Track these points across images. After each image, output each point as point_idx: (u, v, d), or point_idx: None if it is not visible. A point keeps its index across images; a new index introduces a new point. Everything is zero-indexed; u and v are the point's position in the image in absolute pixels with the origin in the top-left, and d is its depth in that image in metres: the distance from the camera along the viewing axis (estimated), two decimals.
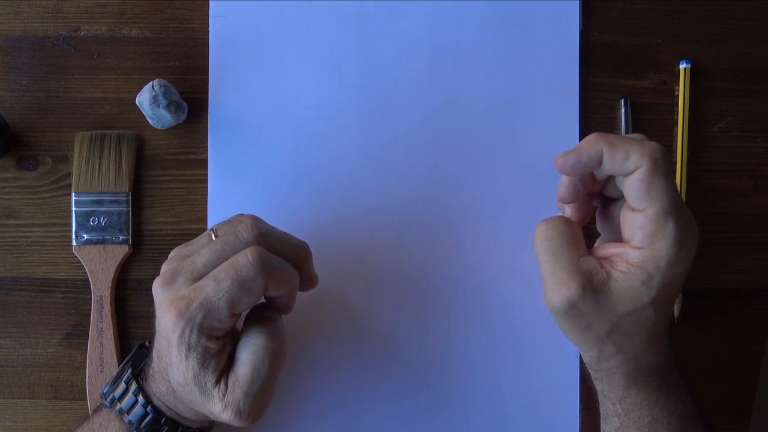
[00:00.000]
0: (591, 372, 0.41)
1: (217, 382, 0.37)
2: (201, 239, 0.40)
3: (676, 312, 0.49)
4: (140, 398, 0.40)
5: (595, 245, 0.41)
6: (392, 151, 0.50)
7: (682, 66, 0.50)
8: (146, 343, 0.45)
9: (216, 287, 0.36)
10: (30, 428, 0.49)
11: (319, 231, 0.49)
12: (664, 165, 0.35)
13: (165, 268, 0.40)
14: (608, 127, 0.50)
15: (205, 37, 0.50)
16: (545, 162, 0.50)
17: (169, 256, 0.41)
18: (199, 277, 0.37)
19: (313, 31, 0.50)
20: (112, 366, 0.48)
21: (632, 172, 0.35)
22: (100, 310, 0.48)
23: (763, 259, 0.50)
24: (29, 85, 0.50)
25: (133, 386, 0.40)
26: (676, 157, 0.50)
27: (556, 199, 0.40)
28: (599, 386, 0.41)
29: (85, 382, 0.48)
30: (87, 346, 0.48)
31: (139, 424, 0.40)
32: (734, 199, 0.50)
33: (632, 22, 0.51)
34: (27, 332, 0.49)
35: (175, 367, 0.38)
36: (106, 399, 0.42)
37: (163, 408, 0.40)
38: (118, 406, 0.40)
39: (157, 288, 0.38)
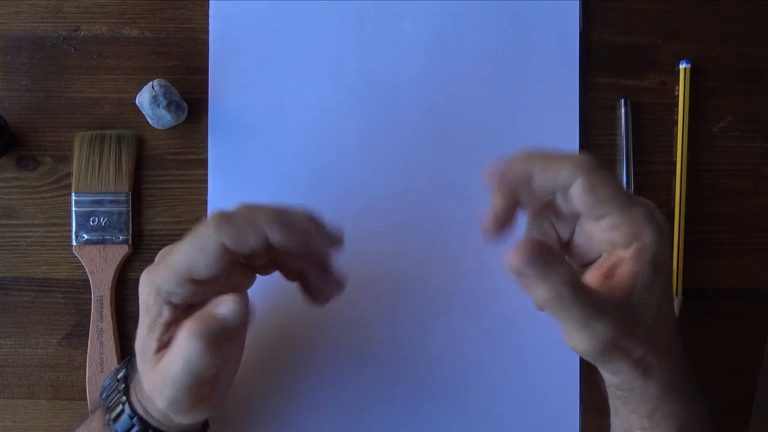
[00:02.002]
0: (618, 395, 0.39)
1: (156, 352, 0.36)
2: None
3: (676, 312, 0.49)
4: (127, 408, 0.39)
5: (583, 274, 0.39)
6: (392, 151, 0.50)
7: (682, 66, 0.50)
8: None
9: (177, 252, 0.36)
10: (30, 428, 0.49)
11: None
12: (599, 168, 0.35)
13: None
14: (608, 127, 0.50)
15: (205, 37, 0.50)
16: None
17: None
18: None
19: (313, 31, 0.50)
20: (112, 366, 0.48)
21: (572, 185, 0.35)
22: (100, 310, 0.48)
23: (763, 259, 0.50)
24: (29, 85, 0.50)
25: (121, 396, 0.40)
26: (676, 157, 0.50)
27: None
28: (627, 407, 0.39)
29: (85, 382, 0.48)
30: (87, 346, 0.48)
31: (115, 422, 0.39)
32: (734, 199, 0.50)
33: (632, 22, 0.51)
34: (27, 332, 0.49)
35: (138, 334, 0.37)
36: (101, 396, 0.41)
37: (146, 416, 0.39)
38: (106, 405, 0.40)
39: (143, 272, 0.38)
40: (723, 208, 0.50)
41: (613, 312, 0.34)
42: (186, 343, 0.34)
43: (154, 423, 0.39)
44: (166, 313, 0.36)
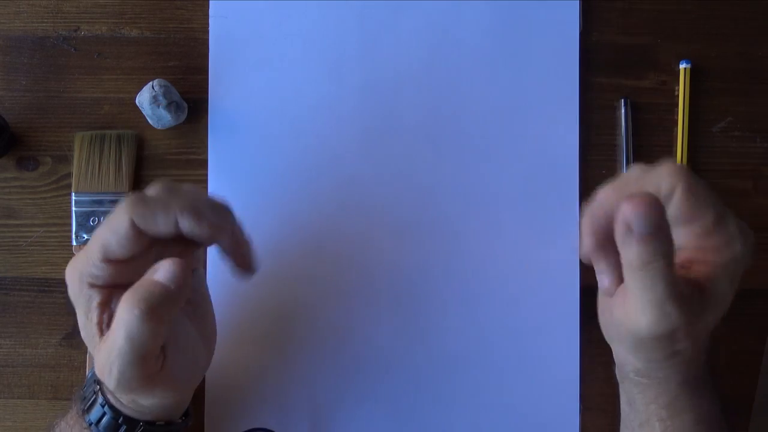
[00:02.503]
0: (636, 381, 0.39)
1: (100, 334, 0.36)
2: None
3: None
4: (99, 397, 0.38)
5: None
6: (392, 151, 0.50)
7: (682, 66, 0.50)
8: None
9: (93, 235, 0.36)
10: (30, 428, 0.49)
11: (319, 230, 0.49)
12: (694, 175, 0.35)
13: None
14: (608, 127, 0.50)
15: (205, 37, 0.50)
16: (545, 162, 0.50)
17: None
18: None
19: (313, 31, 0.50)
20: None
21: (674, 189, 0.35)
22: None
23: (763, 259, 0.50)
24: (29, 85, 0.50)
25: (95, 386, 0.39)
26: (676, 157, 0.50)
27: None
28: (647, 394, 0.38)
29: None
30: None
31: (98, 424, 0.38)
32: (734, 199, 0.50)
33: (632, 22, 0.51)
34: (27, 332, 0.49)
35: (79, 324, 0.37)
36: (78, 396, 0.40)
37: (118, 405, 0.38)
38: (82, 405, 0.39)
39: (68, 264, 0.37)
40: None
41: (691, 303, 0.34)
42: (124, 314, 0.33)
43: (125, 411, 0.38)
44: (96, 296, 0.36)
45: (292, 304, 0.49)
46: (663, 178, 0.35)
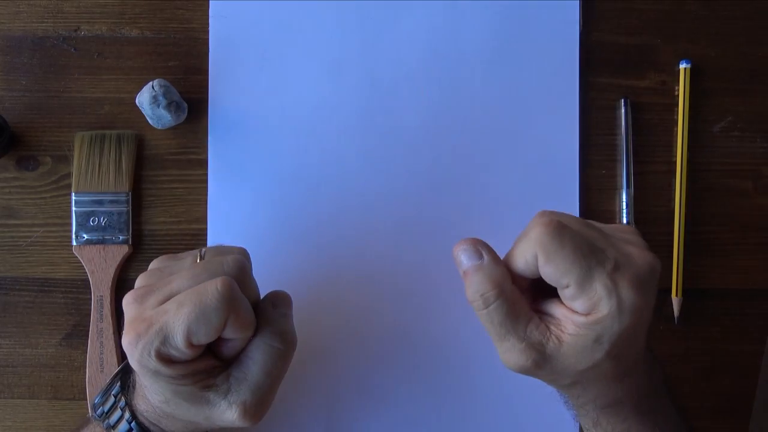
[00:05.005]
0: (564, 398, 0.40)
1: (209, 387, 0.36)
2: (186, 259, 0.39)
3: (676, 312, 0.49)
4: (126, 414, 0.38)
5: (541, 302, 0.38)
6: (392, 151, 0.50)
7: (682, 66, 0.50)
8: None
9: (176, 311, 0.34)
10: (30, 428, 0.49)
11: (318, 230, 0.49)
12: (556, 233, 0.34)
13: (142, 282, 0.38)
14: (608, 127, 0.50)
15: (205, 37, 0.50)
16: (545, 162, 0.50)
17: (150, 267, 0.39)
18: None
19: (313, 31, 0.50)
20: (112, 366, 0.48)
21: (535, 260, 0.35)
22: (100, 310, 0.48)
23: (763, 259, 0.50)
24: (29, 85, 0.50)
25: (121, 401, 0.39)
26: (676, 157, 0.50)
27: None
28: (573, 411, 0.40)
29: (85, 382, 0.48)
30: (87, 346, 0.48)
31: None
32: (734, 199, 0.50)
33: (632, 22, 0.51)
34: (27, 332, 0.49)
35: (149, 389, 0.37)
36: (95, 411, 0.40)
37: (147, 424, 0.39)
38: (107, 421, 0.39)
39: (128, 303, 0.36)
40: (723, 208, 0.50)
41: (538, 349, 0.35)
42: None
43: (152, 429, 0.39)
44: (173, 372, 0.35)
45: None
46: (528, 245, 0.35)
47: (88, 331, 0.48)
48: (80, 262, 0.49)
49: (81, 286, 0.49)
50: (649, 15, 0.51)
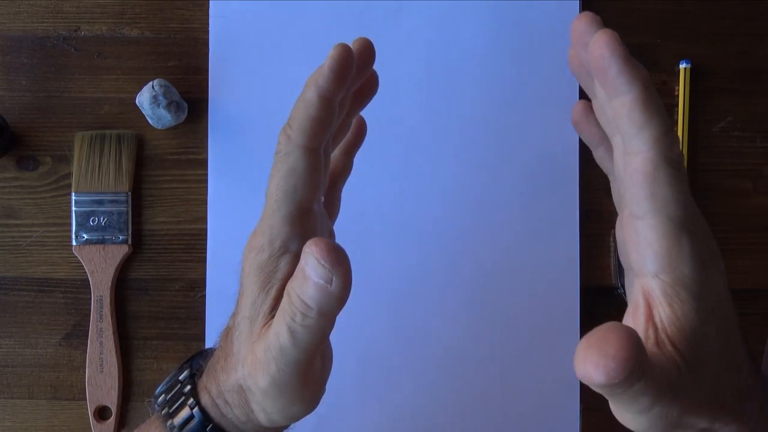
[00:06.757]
0: None
1: (265, 323, 0.31)
2: None
3: None
4: (191, 399, 0.33)
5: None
6: (392, 151, 0.50)
7: (682, 66, 0.50)
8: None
9: (270, 185, 0.32)
10: (30, 428, 0.49)
11: None
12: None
13: None
14: None
15: (205, 37, 0.50)
16: (545, 162, 0.50)
17: None
18: None
19: (313, 31, 0.50)
20: (111, 366, 0.48)
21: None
22: (100, 310, 0.48)
23: (763, 259, 0.50)
24: (29, 85, 0.50)
25: (187, 388, 0.34)
26: None
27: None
28: None
29: (85, 382, 0.48)
30: (87, 346, 0.48)
31: (181, 429, 0.33)
32: (734, 199, 0.50)
33: (632, 22, 0.51)
34: (27, 332, 0.49)
35: (243, 303, 0.32)
36: (156, 401, 0.35)
37: (211, 412, 0.33)
38: (166, 409, 0.34)
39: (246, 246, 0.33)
40: (723, 208, 0.50)
41: (668, 377, 0.24)
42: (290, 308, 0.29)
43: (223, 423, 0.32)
44: (284, 266, 0.31)
45: None
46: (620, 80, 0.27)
47: (88, 331, 0.48)
48: (80, 262, 0.49)
49: (81, 286, 0.49)
50: (649, 15, 0.51)
